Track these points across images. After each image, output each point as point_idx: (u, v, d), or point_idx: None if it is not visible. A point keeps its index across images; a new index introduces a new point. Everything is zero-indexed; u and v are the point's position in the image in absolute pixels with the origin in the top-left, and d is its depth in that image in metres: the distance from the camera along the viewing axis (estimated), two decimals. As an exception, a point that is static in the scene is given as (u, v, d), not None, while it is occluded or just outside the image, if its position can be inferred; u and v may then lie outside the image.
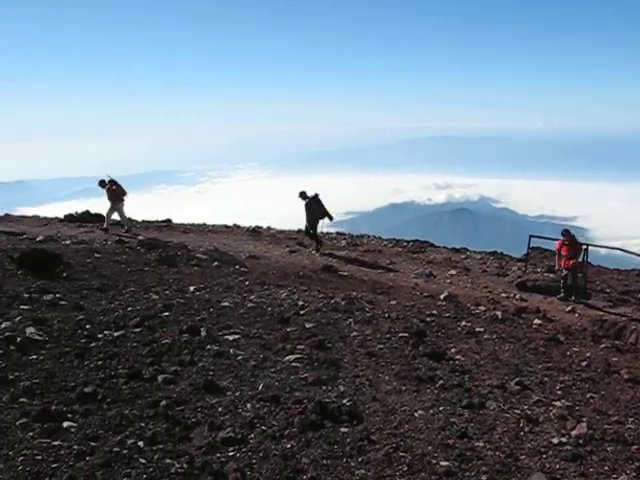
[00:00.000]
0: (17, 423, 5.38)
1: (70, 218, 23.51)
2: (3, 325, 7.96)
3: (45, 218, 24.50)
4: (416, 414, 6.64)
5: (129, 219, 22.54)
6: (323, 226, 21.22)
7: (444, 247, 24.15)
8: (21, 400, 5.87)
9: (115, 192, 21.45)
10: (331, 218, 20.86)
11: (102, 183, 21.61)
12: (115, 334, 8.01)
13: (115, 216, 21.77)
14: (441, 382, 7.69)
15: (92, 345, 7.54)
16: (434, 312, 12.04)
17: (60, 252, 13.10)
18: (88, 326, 8.27)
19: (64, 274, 11.55)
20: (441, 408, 6.89)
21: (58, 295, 9.80)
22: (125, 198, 21.75)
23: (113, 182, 21.50)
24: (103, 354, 7.24)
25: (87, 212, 23.58)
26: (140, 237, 19.20)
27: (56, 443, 5.11)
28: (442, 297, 14.12)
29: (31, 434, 5.21)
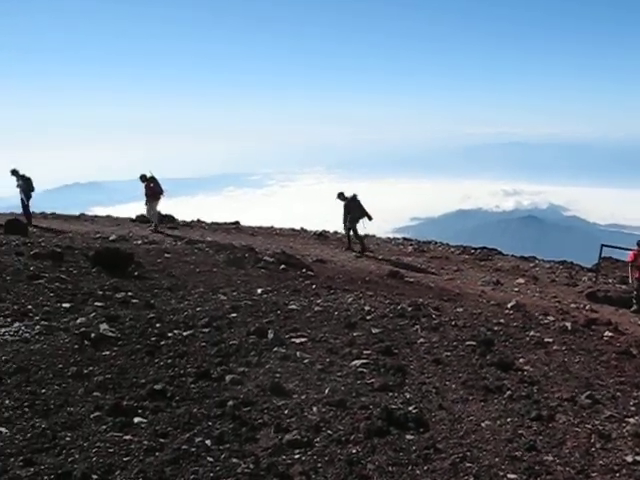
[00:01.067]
0: (91, 416, 5.55)
1: (141, 219, 24.11)
2: (78, 321, 8.24)
3: (118, 218, 25.19)
4: (483, 424, 6.53)
5: (159, 218, 22.89)
6: (364, 227, 21.25)
7: (512, 255, 23.76)
8: (95, 394, 6.05)
9: (153, 189, 21.98)
10: (370, 218, 20.88)
11: (143, 178, 22.12)
12: (184, 333, 8.18)
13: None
14: (509, 393, 7.55)
15: (162, 343, 7.72)
16: (501, 321, 11.83)
17: (132, 251, 13.44)
18: (158, 324, 8.47)
19: (136, 273, 11.87)
20: (509, 419, 6.75)
21: (130, 293, 10.07)
22: (162, 197, 22.23)
23: (152, 179, 22.00)
24: (173, 352, 7.40)
25: (158, 213, 24.03)
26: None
27: (127, 437, 5.23)
28: (510, 306, 13.86)
29: (104, 427, 5.36)
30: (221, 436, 5.44)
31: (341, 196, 20.99)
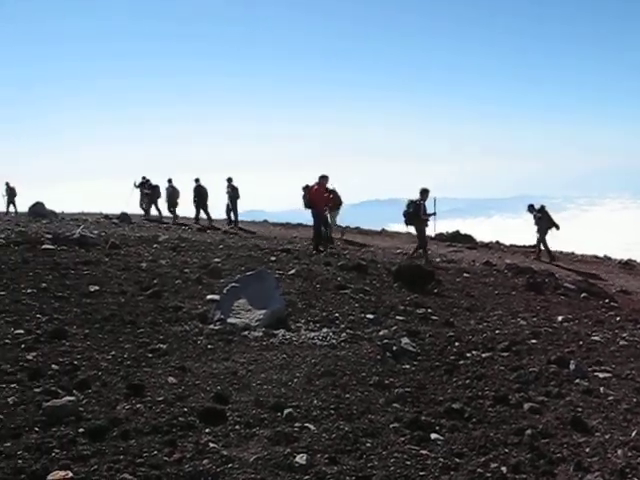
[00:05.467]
0: (390, 426, 5.72)
1: (440, 237, 24.50)
2: (381, 332, 8.63)
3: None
4: None
5: (340, 226, 24.72)
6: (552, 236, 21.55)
7: None
8: (394, 405, 6.24)
9: (332, 200, 23.07)
10: (558, 227, 21.33)
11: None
12: (483, 355, 8.14)
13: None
14: None
15: (461, 363, 7.75)
16: None
17: (432, 269, 13.73)
18: (457, 344, 8.54)
19: (435, 290, 12.11)
20: None
21: (430, 310, 10.31)
22: (340, 207, 23.78)
23: (333, 191, 23.04)
24: (471, 373, 7.38)
25: (457, 232, 24.29)
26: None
27: (424, 452, 5.29)
28: None
29: (402, 439, 5.49)
30: (517, 465, 5.27)
31: (530, 208, 21.55)
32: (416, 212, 17.88)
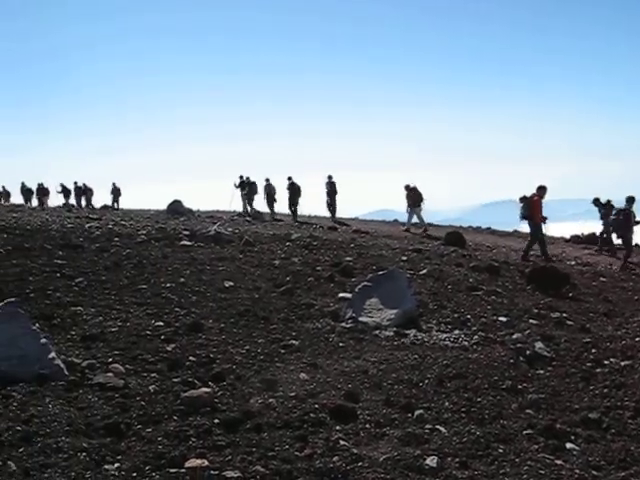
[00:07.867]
0: (523, 432, 5.58)
1: (575, 239, 23.73)
2: (514, 336, 8.45)
3: (552, 237, 25.02)
4: None
5: (425, 222, 25.48)
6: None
7: None
8: (527, 411, 6.08)
9: (412, 197, 24.72)
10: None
11: (407, 187, 25.20)
12: (622, 363, 7.75)
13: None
14: None
15: (597, 371, 7.44)
16: None
17: (567, 272, 13.28)
18: (594, 350, 8.21)
19: (570, 294, 11.72)
20: None
21: (564, 314, 9.99)
22: (422, 204, 25.01)
23: (414, 189, 24.87)
24: (609, 382, 7.06)
25: (593, 234, 23.39)
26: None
27: (558, 462, 5.11)
28: None
29: (536, 447, 5.33)
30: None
31: (596, 202, 20.28)
32: (626, 220, 17.36)
